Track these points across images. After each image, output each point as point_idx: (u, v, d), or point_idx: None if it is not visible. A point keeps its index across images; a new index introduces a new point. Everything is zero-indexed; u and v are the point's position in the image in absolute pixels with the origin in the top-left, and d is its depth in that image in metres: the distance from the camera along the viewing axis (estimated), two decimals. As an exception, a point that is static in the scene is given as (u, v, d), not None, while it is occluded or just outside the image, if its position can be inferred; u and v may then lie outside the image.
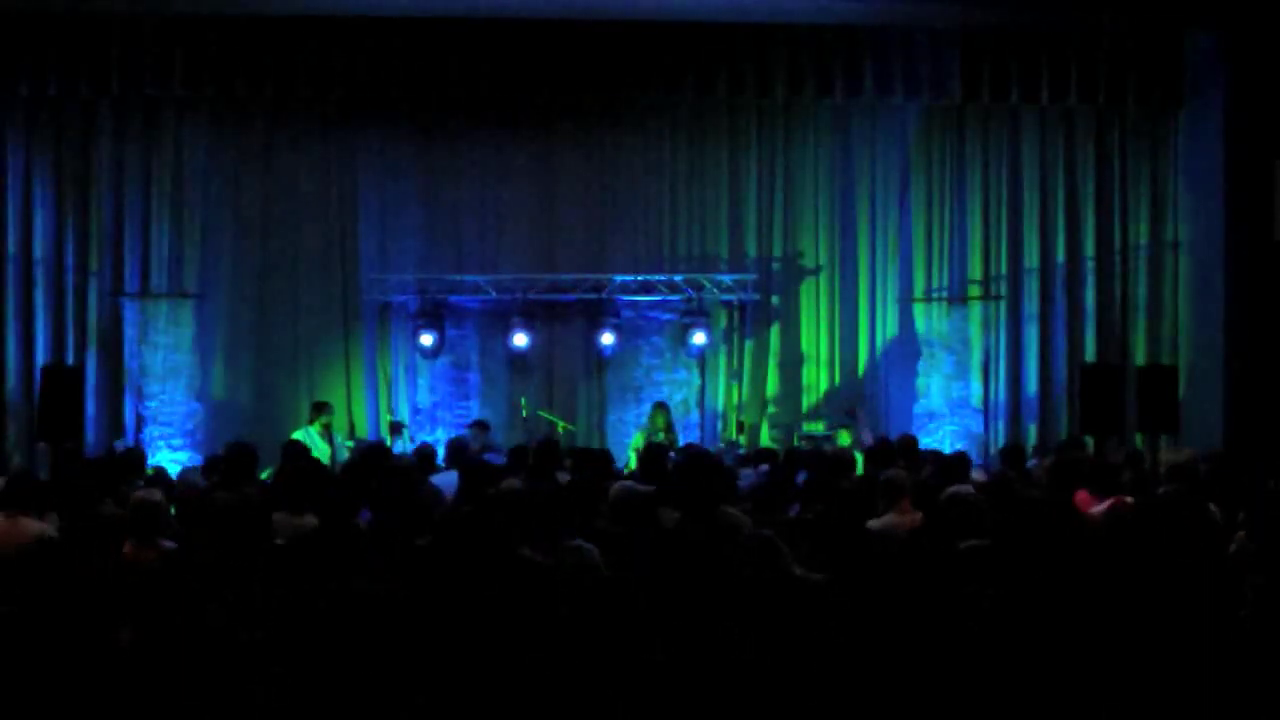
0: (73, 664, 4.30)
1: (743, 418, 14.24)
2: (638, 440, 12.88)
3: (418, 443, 11.88)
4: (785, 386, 14.59)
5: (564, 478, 8.12)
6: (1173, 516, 5.50)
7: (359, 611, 4.80)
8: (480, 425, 12.91)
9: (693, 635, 4.73)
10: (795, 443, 13.46)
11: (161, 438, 13.53)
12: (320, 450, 11.82)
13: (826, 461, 8.86)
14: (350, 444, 12.90)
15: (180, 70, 13.49)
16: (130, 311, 13.80)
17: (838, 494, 6.80)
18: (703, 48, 13.90)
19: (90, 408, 13.47)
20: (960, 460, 8.42)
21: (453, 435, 13.46)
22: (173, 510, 6.85)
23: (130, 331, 13.78)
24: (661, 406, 13.46)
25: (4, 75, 13.32)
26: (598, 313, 14.07)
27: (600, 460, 9.07)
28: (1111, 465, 7.73)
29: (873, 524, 6.33)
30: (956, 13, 13.13)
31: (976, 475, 8.46)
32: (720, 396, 14.52)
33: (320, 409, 12.86)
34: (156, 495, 6.32)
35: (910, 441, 10.10)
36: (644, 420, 13.70)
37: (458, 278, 14.04)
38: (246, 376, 14.10)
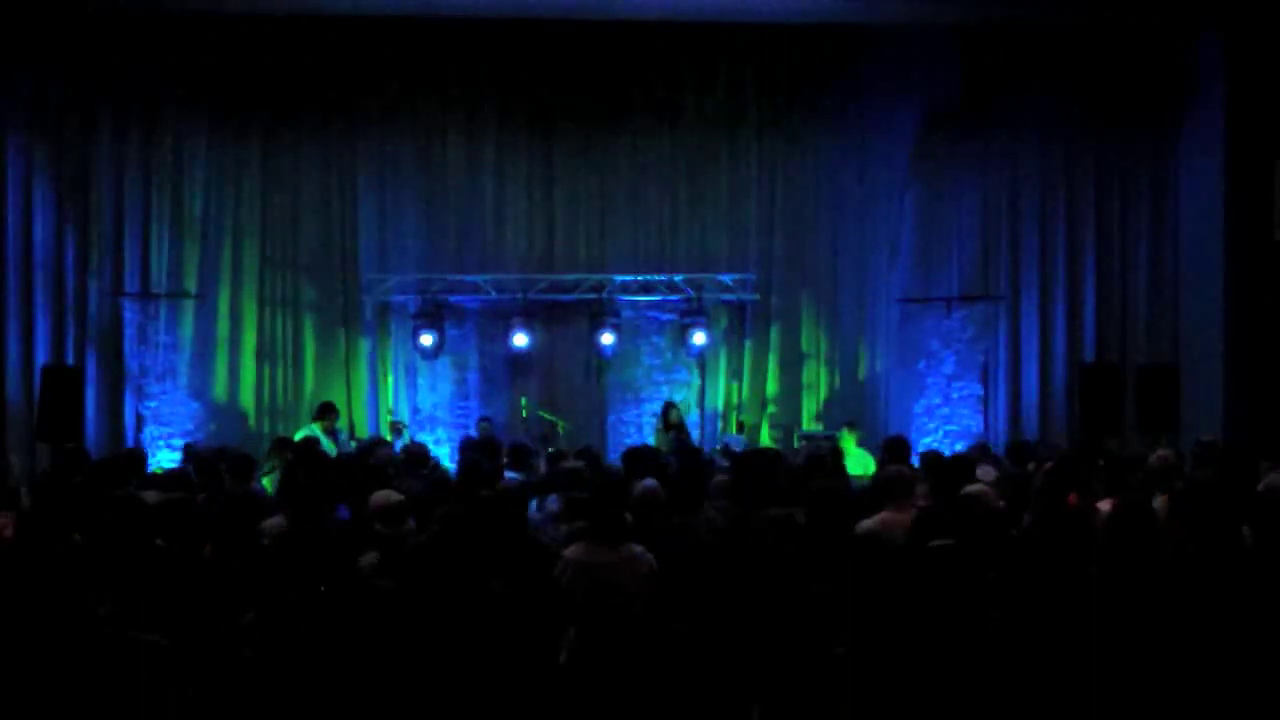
0: None
1: (743, 418, 14.22)
2: (658, 444, 12.89)
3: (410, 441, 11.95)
4: (785, 386, 14.57)
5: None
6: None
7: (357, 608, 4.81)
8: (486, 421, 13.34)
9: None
10: (795, 443, 13.46)
11: (161, 438, 13.55)
12: (326, 450, 11.80)
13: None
14: (354, 444, 12.91)
15: (180, 70, 13.57)
16: (130, 311, 13.81)
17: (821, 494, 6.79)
18: (703, 48, 13.93)
19: (90, 408, 13.49)
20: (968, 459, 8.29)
21: (453, 435, 13.64)
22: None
23: (130, 331, 13.79)
24: (669, 406, 13.42)
25: (4, 75, 13.37)
26: (598, 313, 14.06)
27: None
28: (1120, 464, 7.63)
29: (866, 523, 6.32)
30: (956, 12, 13.12)
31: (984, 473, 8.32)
32: (720, 396, 14.50)
33: (326, 410, 12.82)
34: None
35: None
36: (643, 420, 13.75)
37: (458, 278, 14.04)
38: (246, 376, 14.10)
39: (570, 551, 5.85)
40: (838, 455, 10.17)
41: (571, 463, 9.03)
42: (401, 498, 6.52)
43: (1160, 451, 8.69)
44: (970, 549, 5.16)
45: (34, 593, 4.57)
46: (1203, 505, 5.38)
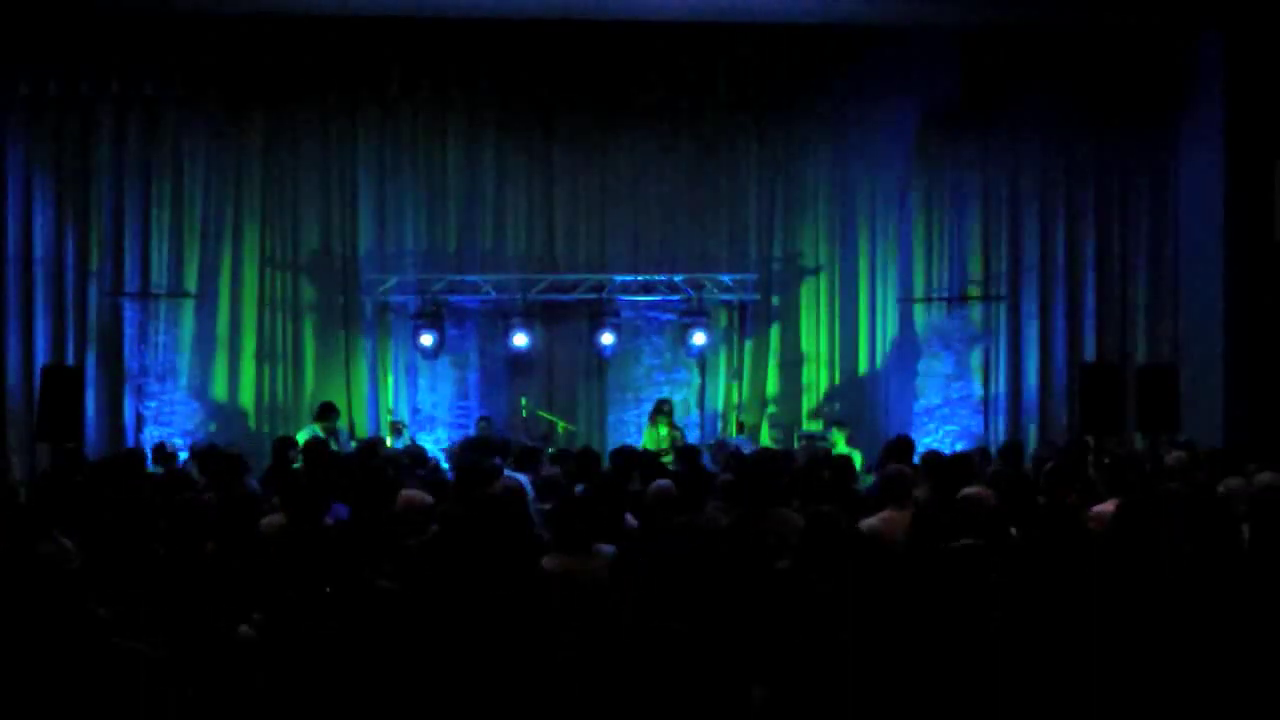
0: None
1: (743, 418, 14.22)
2: (647, 440, 12.90)
3: (410, 441, 11.95)
4: (785, 386, 14.57)
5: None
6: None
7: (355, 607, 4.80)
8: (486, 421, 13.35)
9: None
10: (795, 443, 13.47)
11: (161, 438, 13.51)
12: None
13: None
14: (354, 444, 12.90)
15: (180, 70, 13.58)
16: (130, 311, 13.81)
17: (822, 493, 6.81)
18: (703, 48, 13.92)
19: (90, 408, 13.48)
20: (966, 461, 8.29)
21: (453, 435, 13.63)
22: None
23: (130, 331, 13.80)
24: (661, 403, 13.42)
25: (4, 75, 13.38)
26: (598, 313, 14.05)
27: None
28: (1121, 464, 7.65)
29: (867, 522, 6.33)
30: (956, 13, 13.13)
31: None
32: (720, 396, 14.50)
33: (326, 411, 12.79)
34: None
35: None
36: (643, 420, 13.75)
37: (458, 278, 14.03)
38: (246, 376, 14.09)
39: (546, 561, 5.87)
40: (842, 457, 10.16)
41: (549, 469, 9.01)
42: (431, 500, 6.50)
43: (1176, 451, 8.70)
44: (972, 549, 5.17)
45: (19, 593, 4.57)
46: (1179, 509, 5.42)
